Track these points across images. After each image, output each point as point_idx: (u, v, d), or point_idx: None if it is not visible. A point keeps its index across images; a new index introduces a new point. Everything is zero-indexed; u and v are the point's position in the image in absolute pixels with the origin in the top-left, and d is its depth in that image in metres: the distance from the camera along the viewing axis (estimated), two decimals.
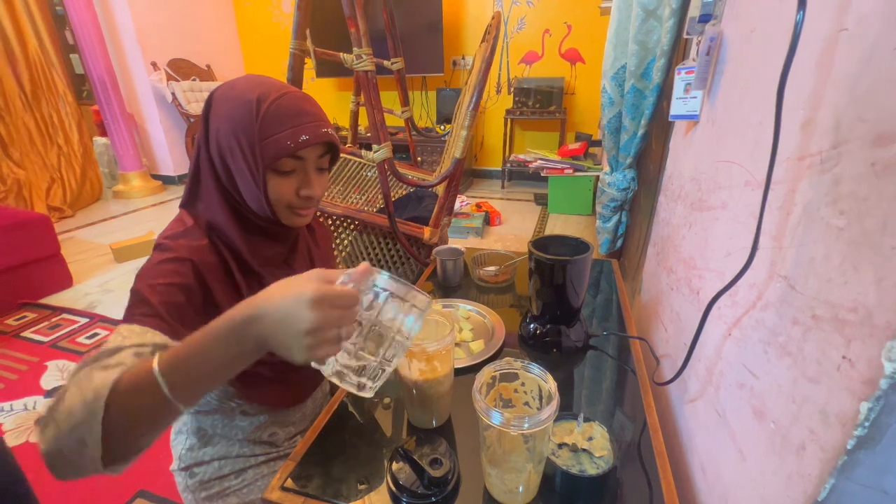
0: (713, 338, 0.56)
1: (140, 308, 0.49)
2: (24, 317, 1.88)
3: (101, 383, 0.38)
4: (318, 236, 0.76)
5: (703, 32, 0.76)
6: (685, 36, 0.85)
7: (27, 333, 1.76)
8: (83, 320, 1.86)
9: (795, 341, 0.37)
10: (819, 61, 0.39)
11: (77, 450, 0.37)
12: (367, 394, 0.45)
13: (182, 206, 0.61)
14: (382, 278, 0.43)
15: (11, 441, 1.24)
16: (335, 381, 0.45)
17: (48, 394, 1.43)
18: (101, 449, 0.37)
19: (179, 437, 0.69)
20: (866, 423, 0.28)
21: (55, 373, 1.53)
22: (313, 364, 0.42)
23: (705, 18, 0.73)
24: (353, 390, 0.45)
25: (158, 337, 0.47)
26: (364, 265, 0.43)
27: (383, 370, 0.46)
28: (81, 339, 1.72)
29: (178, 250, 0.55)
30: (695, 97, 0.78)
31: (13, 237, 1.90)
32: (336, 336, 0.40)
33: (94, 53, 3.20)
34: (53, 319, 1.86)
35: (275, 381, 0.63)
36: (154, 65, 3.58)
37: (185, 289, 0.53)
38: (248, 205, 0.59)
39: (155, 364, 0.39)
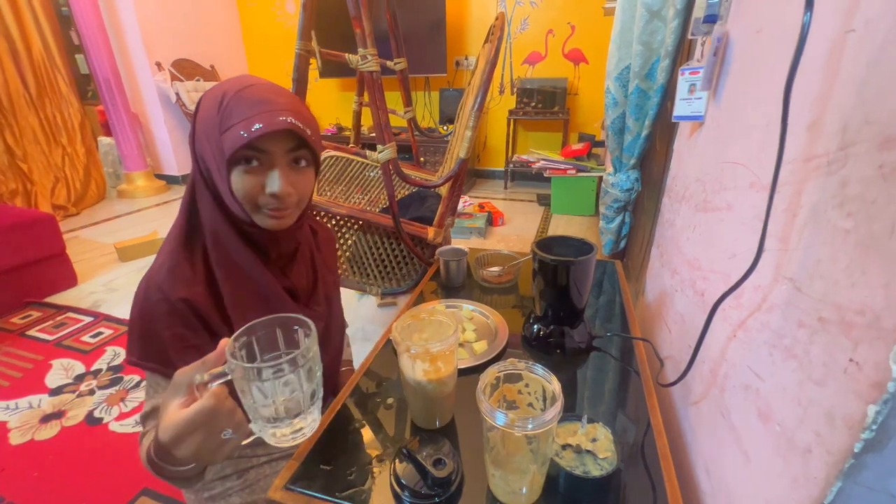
0: (718, 340, 0.56)
1: (158, 358, 0.54)
2: (30, 315, 1.89)
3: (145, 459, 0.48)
4: (320, 239, 0.75)
5: (708, 33, 0.75)
6: (690, 36, 0.85)
7: (32, 332, 1.77)
8: (88, 319, 1.87)
9: (801, 344, 0.37)
10: (826, 63, 0.39)
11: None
12: (309, 433, 0.45)
13: (185, 205, 0.59)
14: (234, 362, 0.40)
15: (16, 439, 1.25)
16: (280, 444, 0.45)
17: (52, 392, 1.44)
18: (179, 484, 0.50)
19: None
20: (874, 427, 0.28)
21: (60, 371, 1.54)
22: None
23: (711, 19, 0.73)
24: (299, 440, 0.45)
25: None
26: (221, 343, 0.42)
27: (311, 402, 0.44)
28: (86, 338, 1.73)
29: (177, 259, 0.56)
30: (699, 98, 0.77)
31: (19, 236, 1.91)
32: (220, 441, 0.42)
33: (99, 54, 3.22)
34: (58, 318, 1.87)
35: None
36: (158, 65, 3.59)
37: (193, 333, 0.56)
38: (228, 208, 0.56)
39: (147, 465, 0.48)
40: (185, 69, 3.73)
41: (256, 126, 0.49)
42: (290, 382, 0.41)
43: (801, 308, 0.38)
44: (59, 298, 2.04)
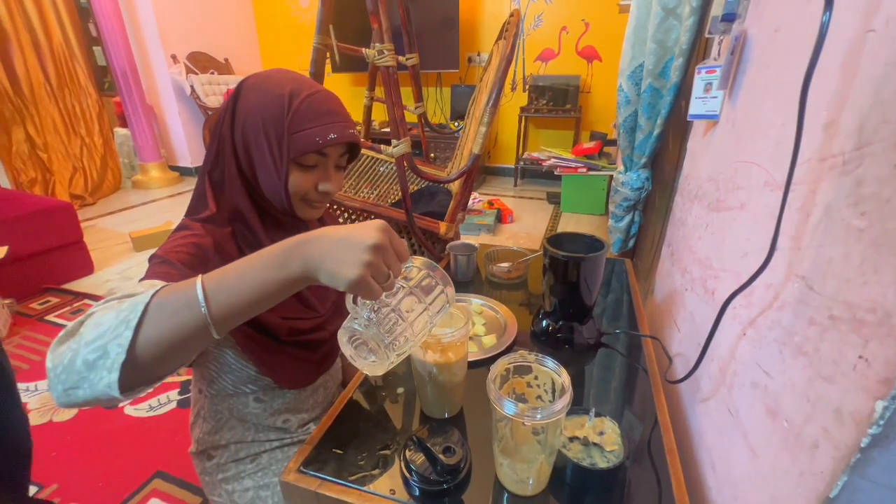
0: (727, 338, 0.56)
1: (161, 267, 0.50)
2: (48, 301, 1.94)
3: (139, 298, 0.37)
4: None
5: (725, 31, 0.75)
6: (707, 35, 0.85)
7: (50, 317, 1.82)
8: None
9: (812, 341, 0.37)
10: (844, 62, 0.39)
11: (93, 361, 0.35)
12: (379, 371, 0.47)
13: (206, 174, 0.61)
14: (426, 272, 0.49)
15: (35, 420, 1.29)
16: (349, 351, 0.47)
17: None
18: (123, 359, 0.35)
19: (198, 422, 0.72)
20: (881, 422, 0.29)
21: None
22: (342, 332, 0.45)
23: (729, 17, 0.72)
24: (365, 365, 0.47)
25: None
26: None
27: (399, 346, 0.47)
28: None
29: (200, 232, 0.58)
30: (715, 97, 0.77)
31: (38, 224, 1.96)
32: (387, 273, 0.41)
33: (116, 46, 3.27)
34: (75, 304, 1.92)
35: (291, 356, 0.66)
36: (174, 58, 3.64)
37: (203, 256, 0.55)
38: (265, 194, 0.60)
39: (199, 278, 0.39)
40: (199, 62, 3.78)
41: (332, 136, 0.57)
42: (417, 307, 0.47)
43: (813, 306, 0.38)
44: (76, 285, 2.09)
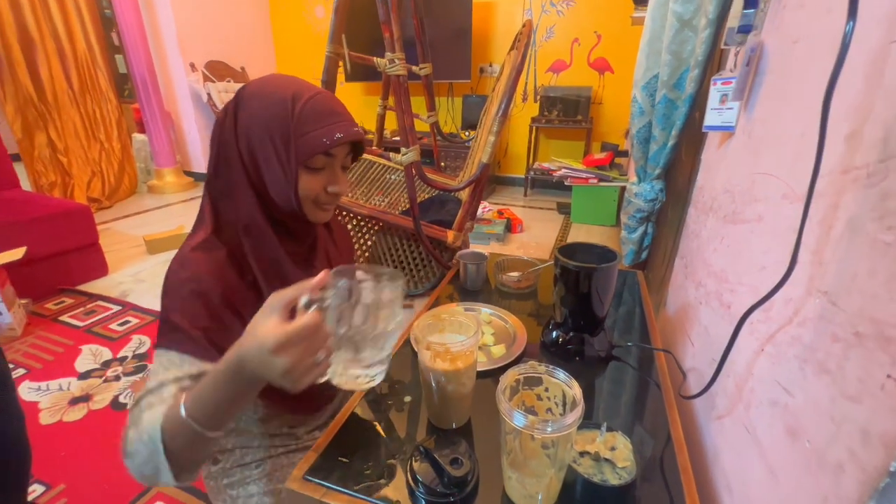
0: (744, 353, 0.55)
1: (175, 335, 0.53)
2: (63, 302, 1.98)
3: (152, 427, 0.45)
4: (336, 235, 0.78)
5: (742, 43, 0.74)
6: (723, 46, 0.84)
7: (64, 318, 1.85)
8: (116, 308, 1.94)
9: (835, 358, 0.36)
10: (868, 73, 0.38)
11: (154, 474, 0.47)
12: (378, 379, 0.51)
13: (206, 187, 0.60)
14: (342, 281, 0.47)
15: (46, 419, 1.30)
16: (352, 385, 0.51)
17: (81, 376, 1.50)
18: (171, 471, 0.46)
19: None
20: None
21: (88, 356, 1.60)
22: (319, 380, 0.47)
23: (745, 29, 0.72)
24: (366, 384, 0.51)
25: (195, 366, 0.52)
26: (321, 275, 0.46)
27: (384, 352, 0.50)
28: (114, 326, 1.80)
29: (199, 275, 0.55)
30: (731, 108, 0.76)
31: (56, 226, 2.00)
32: (312, 363, 0.44)
33: (137, 54, 3.36)
34: (89, 305, 1.95)
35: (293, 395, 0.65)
36: (192, 66, 3.73)
37: (208, 308, 0.55)
38: (275, 200, 0.60)
39: (182, 410, 0.45)
40: (216, 70, 3.86)
41: (338, 135, 0.57)
42: (383, 307, 0.48)
43: (836, 322, 0.37)
44: (91, 287, 2.13)
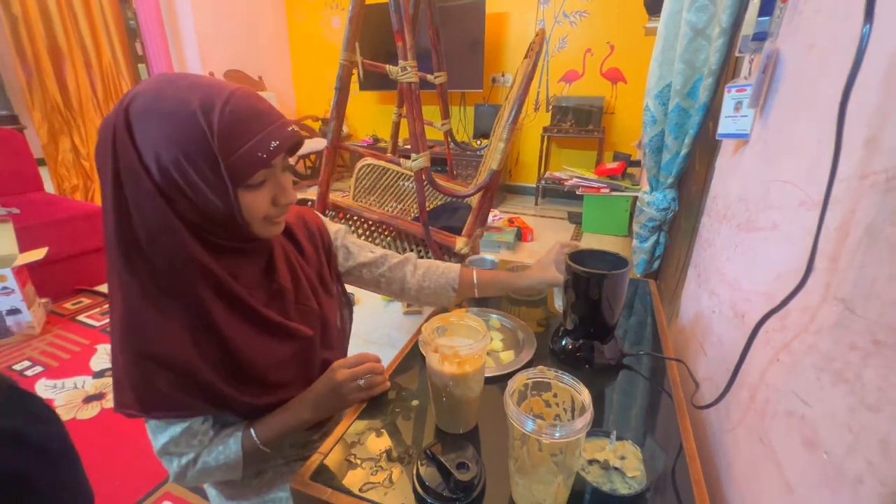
0: (758, 363, 0.53)
1: (157, 401, 0.53)
2: (80, 302, 2.02)
3: (236, 457, 0.59)
4: (299, 236, 0.69)
5: (757, 50, 0.74)
6: (737, 54, 0.84)
7: (81, 317, 1.89)
8: None
9: (853, 367, 0.35)
10: (886, 77, 0.38)
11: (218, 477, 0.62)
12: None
13: (116, 242, 0.49)
14: None
15: (62, 416, 1.32)
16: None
17: (95, 375, 1.52)
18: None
19: None
20: None
21: (103, 356, 1.64)
22: None
23: (760, 36, 0.71)
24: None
25: (205, 426, 0.59)
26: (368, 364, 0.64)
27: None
28: None
29: (159, 341, 0.51)
30: (745, 116, 0.75)
31: (76, 227, 2.06)
32: (356, 386, 0.63)
33: (159, 63, 3.47)
34: (105, 306, 1.99)
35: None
36: (211, 74, 3.83)
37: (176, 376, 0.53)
38: (213, 228, 0.51)
39: (260, 446, 0.60)
40: (235, 79, 3.96)
41: (274, 144, 0.48)
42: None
43: (854, 330, 0.36)
44: (107, 287, 2.17)
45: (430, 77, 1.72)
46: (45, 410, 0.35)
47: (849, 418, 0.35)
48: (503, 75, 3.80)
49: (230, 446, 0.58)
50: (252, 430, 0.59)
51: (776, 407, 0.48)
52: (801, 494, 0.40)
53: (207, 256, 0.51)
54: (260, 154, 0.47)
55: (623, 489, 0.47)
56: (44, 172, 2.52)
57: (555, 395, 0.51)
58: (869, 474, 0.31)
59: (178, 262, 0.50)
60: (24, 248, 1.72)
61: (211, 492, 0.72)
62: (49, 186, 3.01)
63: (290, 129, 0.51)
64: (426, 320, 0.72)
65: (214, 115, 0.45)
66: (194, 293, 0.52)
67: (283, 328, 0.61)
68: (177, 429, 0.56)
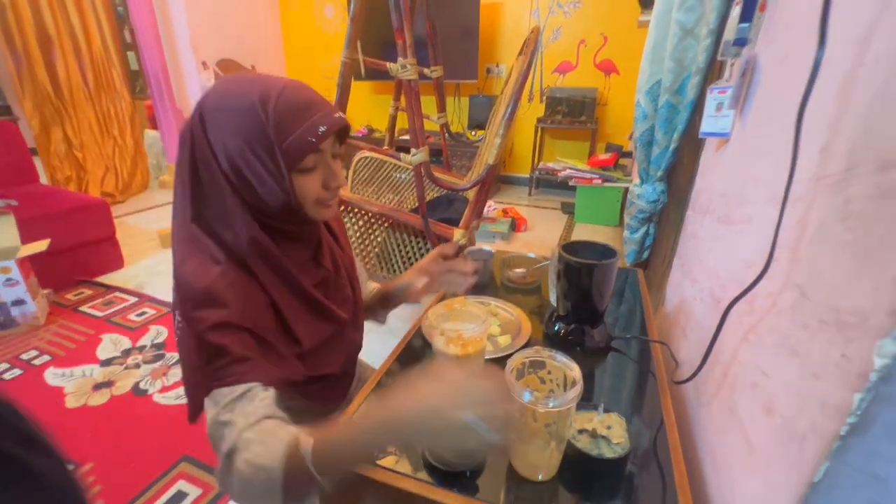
0: (730, 343, 0.60)
1: (236, 366, 0.50)
2: (82, 293, 2.05)
3: (271, 467, 0.45)
4: (333, 229, 0.75)
5: (737, 55, 0.79)
6: (720, 58, 0.89)
7: (84, 308, 1.92)
8: (133, 299, 2.01)
9: (804, 343, 0.41)
10: (840, 92, 0.43)
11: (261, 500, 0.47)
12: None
13: (192, 222, 0.55)
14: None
15: (72, 403, 1.37)
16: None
17: (103, 363, 1.56)
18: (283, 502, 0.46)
19: None
20: (858, 412, 0.32)
21: (109, 345, 1.67)
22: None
23: (740, 42, 0.76)
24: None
25: (267, 392, 0.51)
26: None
27: None
28: (132, 316, 1.87)
29: (227, 304, 0.52)
30: (726, 116, 0.81)
31: (76, 219, 2.07)
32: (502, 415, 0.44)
33: (151, 52, 3.42)
34: (107, 297, 2.02)
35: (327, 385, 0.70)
36: (204, 64, 3.79)
37: (253, 339, 0.54)
38: (273, 212, 0.56)
39: (310, 466, 0.44)
40: (227, 69, 3.92)
41: (322, 129, 0.53)
42: None
43: (806, 311, 0.42)
44: (108, 279, 2.20)
45: (426, 71, 1.75)
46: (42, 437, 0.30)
47: (798, 385, 0.41)
48: (498, 66, 3.82)
49: (271, 446, 0.46)
50: (305, 440, 0.46)
51: (744, 380, 0.54)
52: (760, 453, 0.46)
53: (267, 239, 0.56)
54: (309, 139, 0.52)
55: (609, 453, 0.54)
56: (36, 163, 2.51)
57: (549, 373, 0.57)
58: (811, 431, 0.38)
59: (243, 241, 0.55)
60: (25, 240, 1.74)
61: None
62: (43, 178, 3.00)
63: (336, 115, 0.55)
64: (428, 309, 0.77)
65: (270, 104, 0.51)
66: (258, 270, 0.56)
67: (326, 310, 0.64)
68: (237, 390, 0.50)
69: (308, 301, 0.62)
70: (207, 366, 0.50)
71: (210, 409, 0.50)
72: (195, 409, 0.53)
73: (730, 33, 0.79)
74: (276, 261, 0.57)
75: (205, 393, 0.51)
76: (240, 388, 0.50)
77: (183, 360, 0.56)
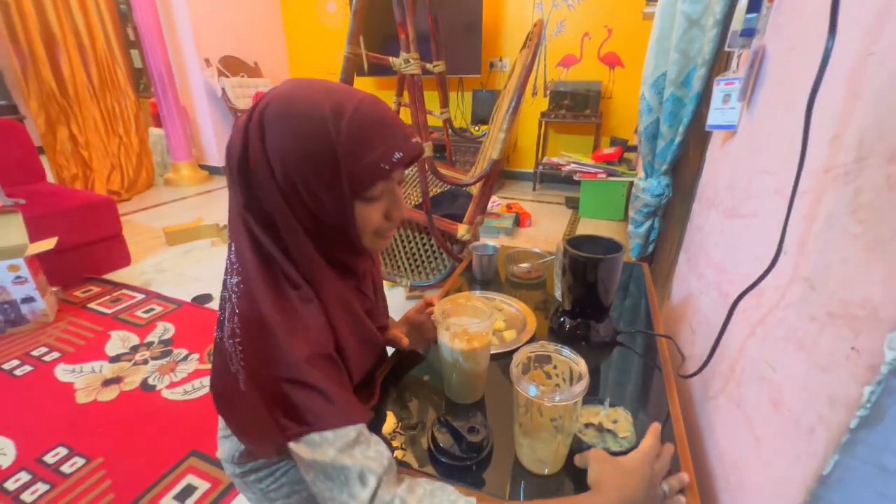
0: (737, 337, 0.59)
1: (339, 407, 0.47)
2: (90, 290, 2.07)
3: None
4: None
5: (745, 46, 0.78)
6: (727, 48, 0.87)
7: (92, 305, 1.94)
8: (140, 296, 2.02)
9: (812, 336, 0.41)
10: (849, 82, 0.43)
11: None
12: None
13: (263, 232, 0.49)
14: None
15: (82, 398, 1.38)
16: None
17: (112, 360, 1.58)
18: None
19: (224, 442, 0.68)
20: (868, 405, 0.32)
21: (117, 341, 1.69)
22: None
23: (748, 33, 0.75)
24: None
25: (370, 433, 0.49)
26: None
27: None
28: (139, 313, 1.89)
29: (311, 331, 0.49)
30: (733, 108, 0.80)
31: (83, 217, 2.09)
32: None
33: (154, 49, 3.44)
34: (115, 294, 2.04)
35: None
36: (207, 61, 3.80)
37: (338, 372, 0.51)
38: (325, 238, 0.50)
39: None
40: (231, 66, 3.93)
41: (397, 155, 0.47)
42: None
43: (814, 304, 0.42)
44: (115, 276, 2.22)
45: (428, 66, 1.74)
46: None
47: (806, 379, 0.41)
48: (501, 60, 3.79)
49: None
50: None
51: (751, 374, 0.54)
52: (768, 446, 0.46)
53: (322, 263, 0.51)
54: (382, 165, 0.46)
55: (615, 447, 0.54)
56: (43, 162, 2.53)
57: (555, 367, 0.57)
58: (819, 424, 0.37)
59: (304, 261, 0.50)
60: (33, 238, 1.76)
61: (236, 480, 0.69)
62: (49, 176, 3.03)
63: (413, 140, 0.49)
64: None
65: (344, 120, 0.45)
66: (323, 295, 0.52)
67: (371, 335, 0.61)
68: (351, 433, 0.46)
69: (357, 324, 0.57)
70: (295, 408, 0.45)
71: (324, 450, 0.45)
72: (262, 449, 0.51)
73: (737, 24, 0.78)
74: (336, 287, 0.52)
75: (293, 437, 0.46)
76: (352, 433, 0.46)
77: (248, 401, 0.49)
